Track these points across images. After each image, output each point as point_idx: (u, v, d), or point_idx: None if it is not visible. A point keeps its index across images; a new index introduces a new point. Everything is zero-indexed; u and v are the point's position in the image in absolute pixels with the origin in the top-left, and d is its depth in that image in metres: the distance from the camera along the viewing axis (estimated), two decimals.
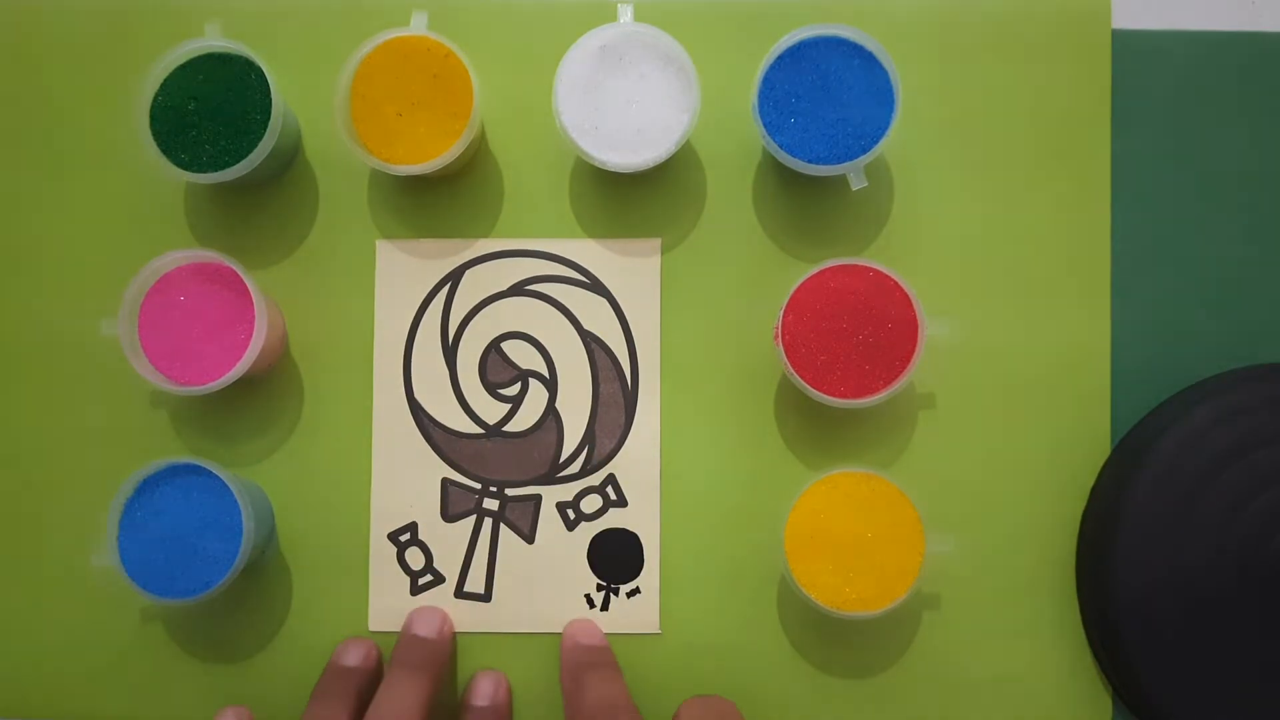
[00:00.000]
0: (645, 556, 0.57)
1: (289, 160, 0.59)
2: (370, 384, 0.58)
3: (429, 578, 0.58)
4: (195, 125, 0.55)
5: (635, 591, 0.57)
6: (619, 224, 0.59)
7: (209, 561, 0.53)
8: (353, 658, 0.56)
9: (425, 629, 0.56)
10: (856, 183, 0.55)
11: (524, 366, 0.58)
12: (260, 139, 0.54)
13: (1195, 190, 0.59)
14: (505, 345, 0.58)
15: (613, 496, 0.58)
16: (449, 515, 0.58)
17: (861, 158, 0.54)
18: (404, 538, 0.58)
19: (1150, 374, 0.58)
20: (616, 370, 0.58)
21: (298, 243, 0.59)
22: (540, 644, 0.58)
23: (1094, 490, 0.57)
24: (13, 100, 0.60)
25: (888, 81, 0.54)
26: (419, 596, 0.57)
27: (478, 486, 0.58)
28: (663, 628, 0.57)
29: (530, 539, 0.58)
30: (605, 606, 0.57)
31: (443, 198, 0.59)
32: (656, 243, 0.59)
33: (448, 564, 0.58)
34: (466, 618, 0.57)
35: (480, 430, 0.58)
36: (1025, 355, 0.58)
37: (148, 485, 0.54)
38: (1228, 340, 0.58)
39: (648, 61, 0.55)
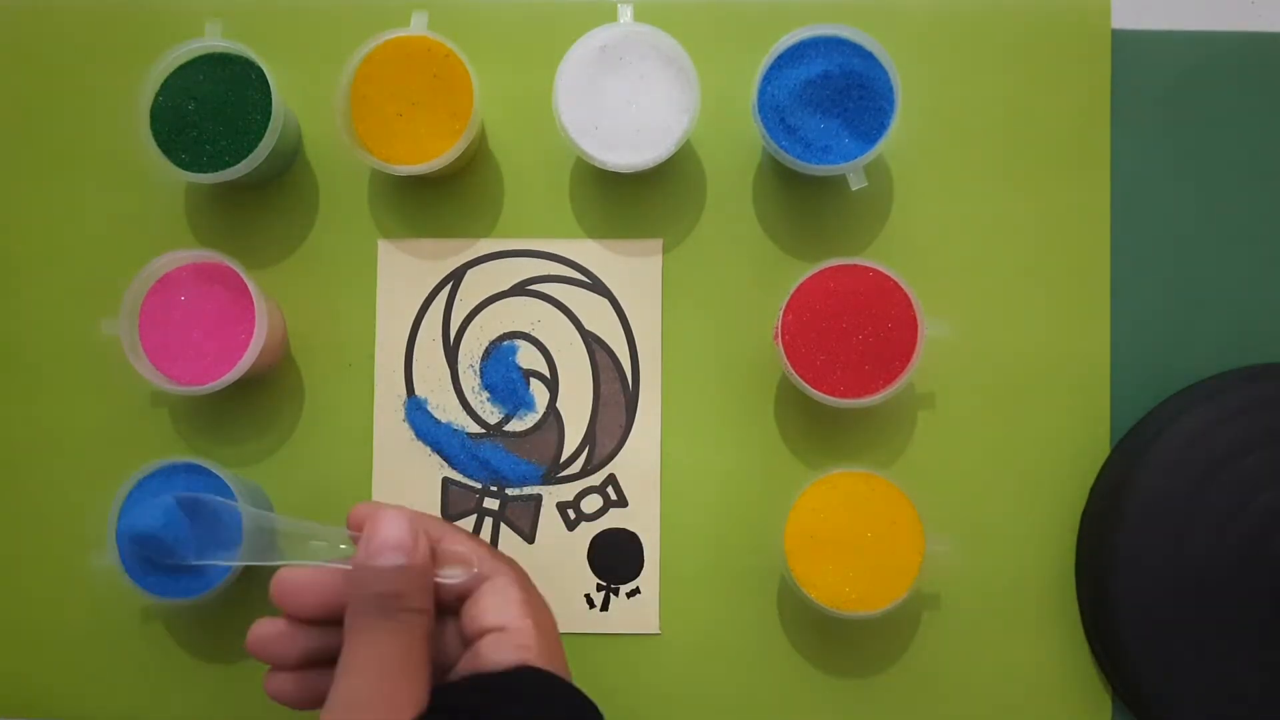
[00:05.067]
0: (645, 556, 0.57)
1: (289, 160, 0.59)
2: (371, 384, 0.58)
3: None
4: (195, 125, 0.55)
5: (635, 592, 0.57)
6: (619, 224, 0.59)
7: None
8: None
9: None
10: (856, 183, 0.55)
11: (525, 366, 0.58)
12: (260, 139, 0.54)
13: (1195, 190, 0.59)
14: (506, 345, 0.58)
15: (613, 496, 0.58)
16: (449, 515, 0.58)
17: (861, 158, 0.54)
18: None
19: (1150, 374, 0.58)
20: (617, 370, 0.58)
21: (298, 243, 0.59)
22: None
23: (1094, 490, 0.57)
24: (14, 100, 0.60)
25: (888, 81, 0.54)
26: None
27: (478, 486, 0.58)
28: (663, 628, 0.57)
29: (530, 539, 0.58)
30: (605, 607, 0.57)
31: (443, 198, 0.59)
32: (658, 243, 0.59)
33: None
34: None
35: (481, 430, 0.58)
36: (1025, 355, 0.58)
37: (147, 485, 0.54)
38: (1227, 340, 0.58)
39: (648, 62, 0.55)
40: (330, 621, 0.45)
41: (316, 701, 0.45)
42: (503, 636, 0.44)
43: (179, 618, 0.58)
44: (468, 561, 0.46)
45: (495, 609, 0.45)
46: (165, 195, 0.59)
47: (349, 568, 0.45)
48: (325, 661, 0.45)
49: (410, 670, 0.43)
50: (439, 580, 0.45)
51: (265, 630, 0.46)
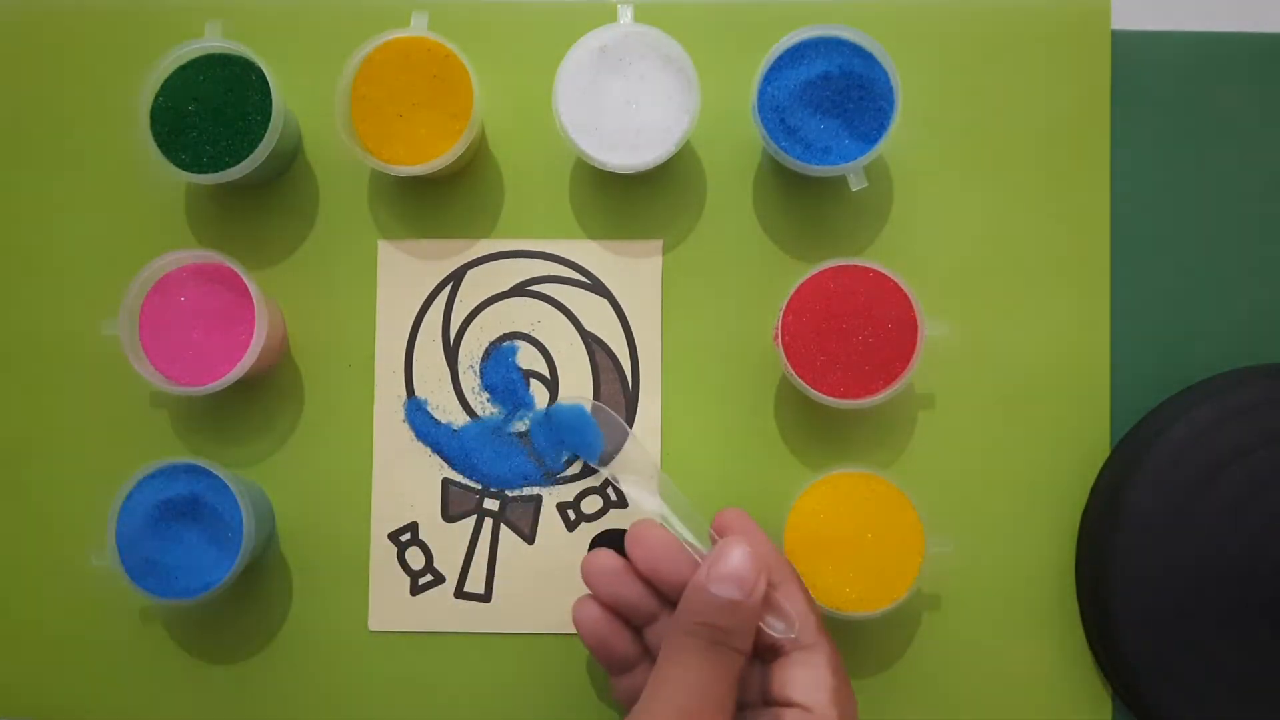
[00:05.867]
0: None
1: (289, 161, 0.59)
2: (371, 384, 0.58)
3: (429, 578, 0.58)
4: (195, 126, 0.55)
5: None
6: (619, 225, 0.59)
7: (209, 561, 0.53)
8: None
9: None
10: (856, 183, 0.55)
11: (525, 367, 0.58)
12: (260, 139, 0.54)
13: (1195, 190, 0.59)
14: (506, 346, 0.58)
15: (613, 497, 0.58)
16: (449, 515, 0.58)
17: (861, 158, 0.54)
18: (404, 538, 0.58)
19: (1150, 374, 0.58)
20: (617, 371, 0.58)
21: (298, 243, 0.59)
22: (540, 644, 0.57)
23: (1094, 490, 0.57)
24: (13, 100, 0.60)
25: (888, 81, 0.54)
26: (419, 596, 0.57)
27: (478, 487, 0.58)
28: None
29: (530, 539, 0.58)
30: None
31: (443, 198, 0.59)
32: (658, 244, 0.59)
33: (448, 564, 0.58)
34: (466, 618, 0.57)
35: None
36: (1025, 355, 0.58)
37: (147, 485, 0.54)
38: (1228, 340, 0.58)
39: (647, 62, 0.55)
40: (658, 589, 0.48)
41: (605, 645, 0.49)
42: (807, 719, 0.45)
43: (179, 618, 0.58)
44: (792, 621, 0.47)
45: (805, 685, 0.46)
46: (165, 195, 0.59)
47: (698, 561, 0.47)
48: (635, 617, 0.48)
49: (717, 703, 0.44)
50: (761, 625, 0.46)
51: (605, 561, 0.49)
